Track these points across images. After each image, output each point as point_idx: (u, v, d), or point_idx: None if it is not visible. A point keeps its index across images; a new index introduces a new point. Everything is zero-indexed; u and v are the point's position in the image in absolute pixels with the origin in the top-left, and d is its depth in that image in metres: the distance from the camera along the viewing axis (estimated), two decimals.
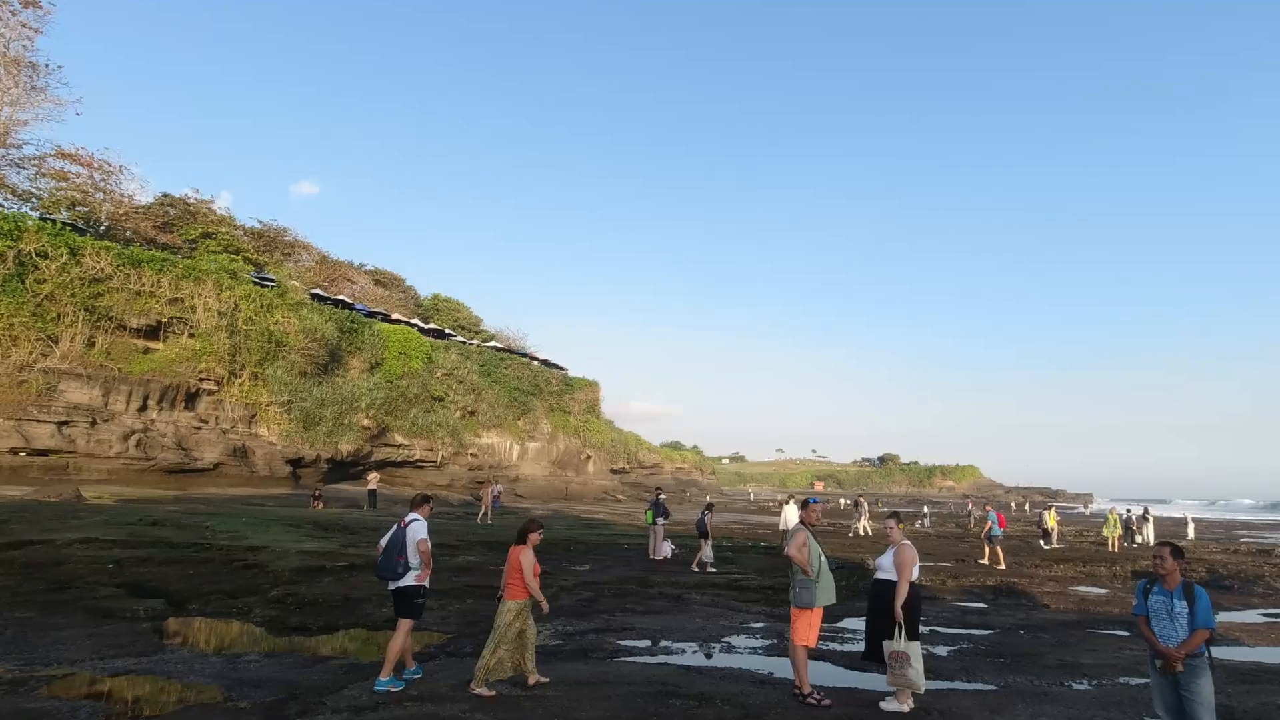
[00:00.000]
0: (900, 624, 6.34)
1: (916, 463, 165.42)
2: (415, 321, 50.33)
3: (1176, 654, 4.59)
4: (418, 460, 42.82)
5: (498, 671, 6.40)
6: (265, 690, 6.47)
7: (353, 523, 21.93)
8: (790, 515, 18.99)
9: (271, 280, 37.82)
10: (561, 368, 62.95)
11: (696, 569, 15.80)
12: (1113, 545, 25.52)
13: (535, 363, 59.62)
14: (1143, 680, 7.27)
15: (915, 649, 6.26)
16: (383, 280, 57.75)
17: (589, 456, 57.19)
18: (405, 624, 6.54)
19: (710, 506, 18.00)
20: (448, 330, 54.35)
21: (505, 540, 19.58)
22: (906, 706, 6.27)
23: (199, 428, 30.59)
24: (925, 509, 45.39)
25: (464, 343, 53.20)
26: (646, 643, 9.22)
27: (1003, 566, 18.82)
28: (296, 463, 34.62)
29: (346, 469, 38.07)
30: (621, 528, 27.20)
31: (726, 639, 9.55)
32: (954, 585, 15.47)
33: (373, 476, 30.79)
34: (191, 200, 44.14)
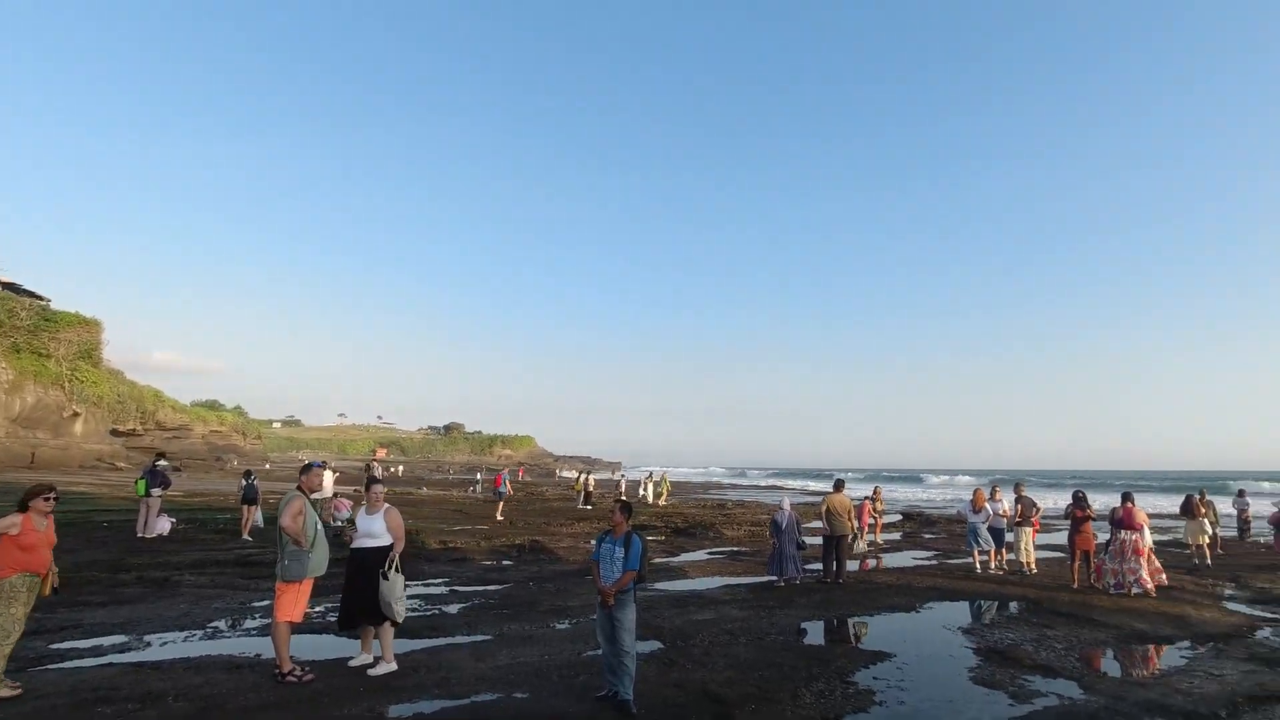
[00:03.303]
0: (395, 568, 6.22)
1: (480, 432, 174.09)
2: None
3: (610, 590, 5.49)
4: None
5: None
6: None
7: None
8: (328, 482, 17.76)
9: None
10: (40, 297, 47.87)
11: (249, 537, 15.41)
12: (658, 502, 32.14)
13: None
14: None
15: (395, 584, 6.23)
16: None
17: (77, 414, 44.68)
18: None
19: (250, 473, 16.47)
20: None
21: None
22: (392, 666, 6.20)
23: None
24: (478, 475, 47.81)
25: None
26: (95, 641, 7.35)
27: (500, 519, 22.31)
28: None
29: None
30: (107, 502, 21.83)
31: (214, 624, 8.23)
32: (486, 546, 16.37)
33: None
34: None
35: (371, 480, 6.91)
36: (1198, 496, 16.46)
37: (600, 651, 5.79)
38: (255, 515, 16.30)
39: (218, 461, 65.20)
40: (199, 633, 7.84)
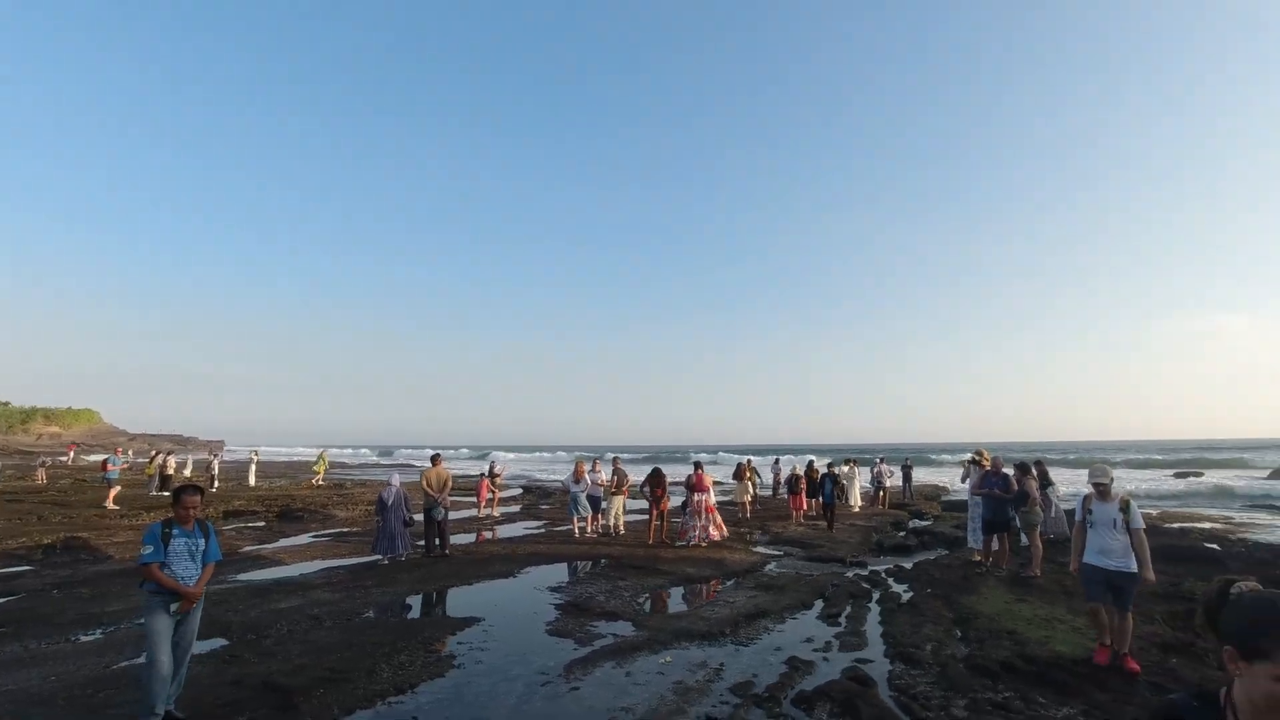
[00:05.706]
0: None
1: (9, 404, 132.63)
2: None
3: (198, 592, 4.67)
4: None
5: None
6: None
7: None
8: None
9: None
10: None
11: None
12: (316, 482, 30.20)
13: None
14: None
15: None
16: None
17: None
18: None
19: None
20: None
21: None
22: None
23: None
24: None
25: None
26: None
27: (112, 506, 19.59)
28: None
29: None
30: None
31: None
32: None
33: None
34: None
35: None
36: (745, 463, 20.75)
37: (142, 660, 4.81)
38: None
39: None
40: None
